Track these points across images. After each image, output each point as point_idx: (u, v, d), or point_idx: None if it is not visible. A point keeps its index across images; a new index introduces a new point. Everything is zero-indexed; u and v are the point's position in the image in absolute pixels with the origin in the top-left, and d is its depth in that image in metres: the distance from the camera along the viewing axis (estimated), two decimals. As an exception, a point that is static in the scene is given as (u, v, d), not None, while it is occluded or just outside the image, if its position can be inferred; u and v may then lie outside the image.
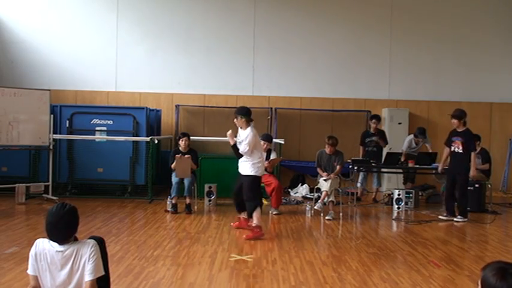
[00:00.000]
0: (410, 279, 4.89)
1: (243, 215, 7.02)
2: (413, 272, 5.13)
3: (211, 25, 11.95)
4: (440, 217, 8.27)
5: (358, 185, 9.96)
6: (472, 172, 8.09)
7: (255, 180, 6.64)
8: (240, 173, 6.78)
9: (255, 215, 6.56)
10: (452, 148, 8.27)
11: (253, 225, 6.58)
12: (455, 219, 8.08)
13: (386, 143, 10.14)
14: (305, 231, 7.17)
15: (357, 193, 9.99)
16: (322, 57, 12.02)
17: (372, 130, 10.07)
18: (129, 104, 11.58)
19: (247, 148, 6.50)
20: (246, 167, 6.63)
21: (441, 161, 8.62)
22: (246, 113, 6.67)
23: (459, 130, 8.25)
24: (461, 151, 8.14)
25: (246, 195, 6.68)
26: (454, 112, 8.32)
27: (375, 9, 12.11)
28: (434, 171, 9.25)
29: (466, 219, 8.07)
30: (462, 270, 5.27)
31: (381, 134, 10.14)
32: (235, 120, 6.73)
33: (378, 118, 10.17)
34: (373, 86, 12.04)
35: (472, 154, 8.13)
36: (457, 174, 8.19)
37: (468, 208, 8.91)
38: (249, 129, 6.59)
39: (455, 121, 8.24)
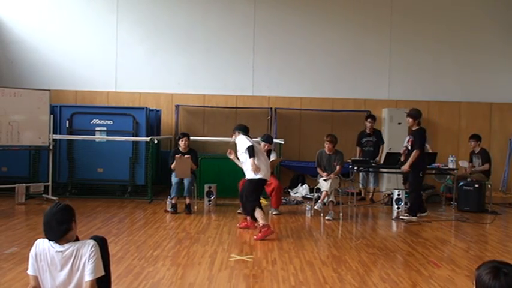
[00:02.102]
0: (410, 279, 4.89)
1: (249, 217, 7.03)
2: (413, 272, 5.14)
3: (211, 25, 11.95)
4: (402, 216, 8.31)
5: (360, 185, 9.98)
6: (405, 167, 8.04)
7: (259, 182, 6.76)
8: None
9: (258, 215, 6.60)
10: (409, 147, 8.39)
11: (261, 225, 6.59)
12: (401, 216, 8.17)
13: (382, 142, 10.23)
14: (305, 231, 7.17)
15: (359, 193, 10.01)
16: (322, 57, 12.03)
17: (367, 130, 10.09)
18: (129, 104, 11.58)
19: (248, 151, 6.64)
20: (251, 172, 6.75)
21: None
22: (244, 129, 6.97)
23: (413, 129, 8.32)
24: (410, 149, 8.21)
25: (245, 196, 6.75)
26: (410, 111, 8.36)
27: (375, 10, 12.11)
28: (434, 171, 9.24)
29: (414, 218, 8.03)
30: (462, 270, 5.27)
31: (377, 133, 10.18)
32: (233, 136, 6.99)
33: (373, 118, 10.24)
34: (373, 86, 12.04)
35: (414, 151, 8.02)
36: (409, 173, 8.26)
37: (468, 208, 8.95)
38: (239, 136, 6.87)
39: (410, 120, 8.27)
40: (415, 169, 8.12)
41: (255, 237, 6.54)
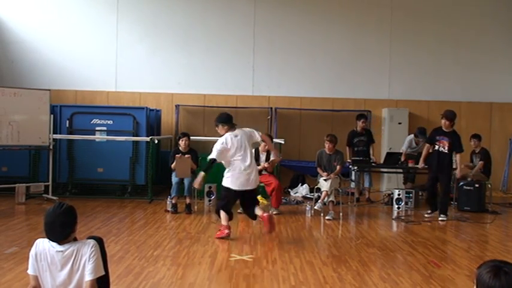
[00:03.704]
0: (410, 279, 4.89)
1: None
2: (413, 272, 5.13)
3: (211, 25, 11.95)
4: (426, 215, 8.31)
5: (352, 185, 9.90)
6: (459, 172, 8.04)
7: (226, 191, 6.41)
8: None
9: (221, 215, 6.44)
10: (436, 147, 8.17)
11: (222, 224, 6.47)
12: (439, 218, 8.07)
13: (373, 141, 10.18)
14: (305, 231, 7.17)
15: (360, 193, 10.00)
16: (322, 57, 12.02)
17: (359, 129, 10.05)
18: (129, 104, 11.58)
19: (214, 152, 6.23)
20: (224, 177, 6.44)
21: (422, 157, 8.53)
22: (225, 120, 6.44)
23: (446, 130, 8.18)
24: (446, 151, 8.09)
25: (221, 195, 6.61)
26: (447, 113, 8.22)
27: (375, 9, 12.11)
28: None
29: (447, 217, 8.12)
30: (462, 270, 5.27)
31: (368, 133, 10.14)
32: (216, 128, 6.50)
33: (366, 118, 10.26)
34: (373, 86, 12.04)
35: (457, 155, 8.09)
36: (440, 173, 8.16)
37: (468, 208, 8.97)
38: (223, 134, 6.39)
39: (446, 122, 8.13)
40: (450, 171, 8.16)
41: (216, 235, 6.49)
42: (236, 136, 6.34)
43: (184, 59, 11.91)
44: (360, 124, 10.02)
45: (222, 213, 6.43)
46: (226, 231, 6.39)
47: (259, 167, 7.90)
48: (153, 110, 10.80)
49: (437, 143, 8.18)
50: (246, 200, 6.52)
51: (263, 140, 6.94)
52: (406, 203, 9.07)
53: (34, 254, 3.11)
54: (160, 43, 11.94)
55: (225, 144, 6.28)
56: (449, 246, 6.48)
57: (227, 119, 6.47)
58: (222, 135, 6.45)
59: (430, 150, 8.30)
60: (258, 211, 6.41)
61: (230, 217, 6.47)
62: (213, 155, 6.25)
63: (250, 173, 6.34)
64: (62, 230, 3.07)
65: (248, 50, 11.94)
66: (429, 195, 8.50)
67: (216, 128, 6.50)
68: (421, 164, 8.53)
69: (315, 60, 12.02)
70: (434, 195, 8.36)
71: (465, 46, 12.05)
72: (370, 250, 6.05)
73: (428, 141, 8.47)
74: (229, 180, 6.35)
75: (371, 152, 10.00)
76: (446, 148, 8.09)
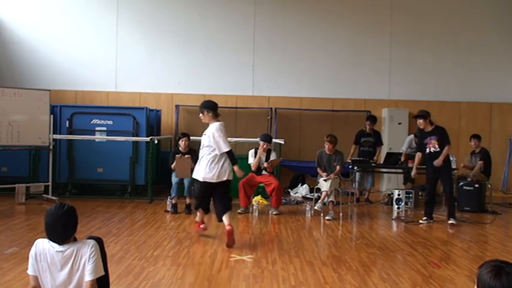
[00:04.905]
0: (410, 279, 4.89)
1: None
2: (413, 272, 5.14)
3: (211, 25, 11.96)
4: (421, 221, 7.91)
5: (354, 185, 9.89)
6: (438, 161, 7.72)
7: (200, 185, 6.25)
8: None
9: (198, 212, 6.54)
10: (428, 150, 7.92)
11: (196, 219, 6.60)
12: (449, 222, 7.82)
13: (381, 143, 10.24)
14: (305, 231, 7.17)
15: (360, 193, 10.00)
16: (322, 57, 12.03)
17: (367, 130, 10.08)
18: (129, 104, 11.59)
19: (220, 139, 5.98)
20: (198, 168, 6.24)
21: (414, 167, 8.20)
22: (212, 107, 6.13)
23: (428, 130, 7.95)
24: (438, 149, 7.83)
25: (195, 193, 6.54)
26: (419, 112, 8.02)
27: (375, 9, 12.11)
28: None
29: (456, 220, 7.90)
30: (462, 270, 5.27)
31: (377, 135, 10.18)
32: (200, 115, 6.19)
33: (373, 120, 10.23)
34: (373, 86, 12.05)
35: (447, 147, 7.81)
36: (440, 174, 7.92)
37: (468, 208, 8.96)
38: (215, 123, 6.12)
39: (421, 121, 7.91)
40: (450, 169, 7.98)
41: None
42: (224, 127, 6.17)
43: (184, 59, 11.92)
44: (367, 125, 10.08)
45: (199, 212, 6.52)
46: (201, 226, 6.52)
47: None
48: (153, 110, 10.80)
49: (427, 146, 7.95)
50: (216, 192, 6.26)
51: None
52: (406, 203, 9.08)
53: (34, 254, 3.10)
54: (160, 43, 11.94)
55: (223, 132, 6.08)
56: (449, 246, 6.47)
57: (214, 107, 6.19)
58: (207, 122, 6.18)
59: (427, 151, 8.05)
60: (225, 219, 6.10)
61: (206, 212, 6.52)
62: (228, 147, 6.02)
63: (222, 165, 6.09)
64: (63, 231, 3.06)
65: (248, 50, 11.95)
66: (428, 200, 8.03)
67: (200, 115, 6.18)
68: (414, 174, 8.25)
69: (315, 60, 12.03)
70: (434, 201, 8.11)
71: (465, 46, 12.07)
72: (370, 250, 6.05)
73: (418, 149, 8.21)
74: (202, 172, 6.12)
75: (377, 153, 10.02)
76: (437, 146, 7.86)
